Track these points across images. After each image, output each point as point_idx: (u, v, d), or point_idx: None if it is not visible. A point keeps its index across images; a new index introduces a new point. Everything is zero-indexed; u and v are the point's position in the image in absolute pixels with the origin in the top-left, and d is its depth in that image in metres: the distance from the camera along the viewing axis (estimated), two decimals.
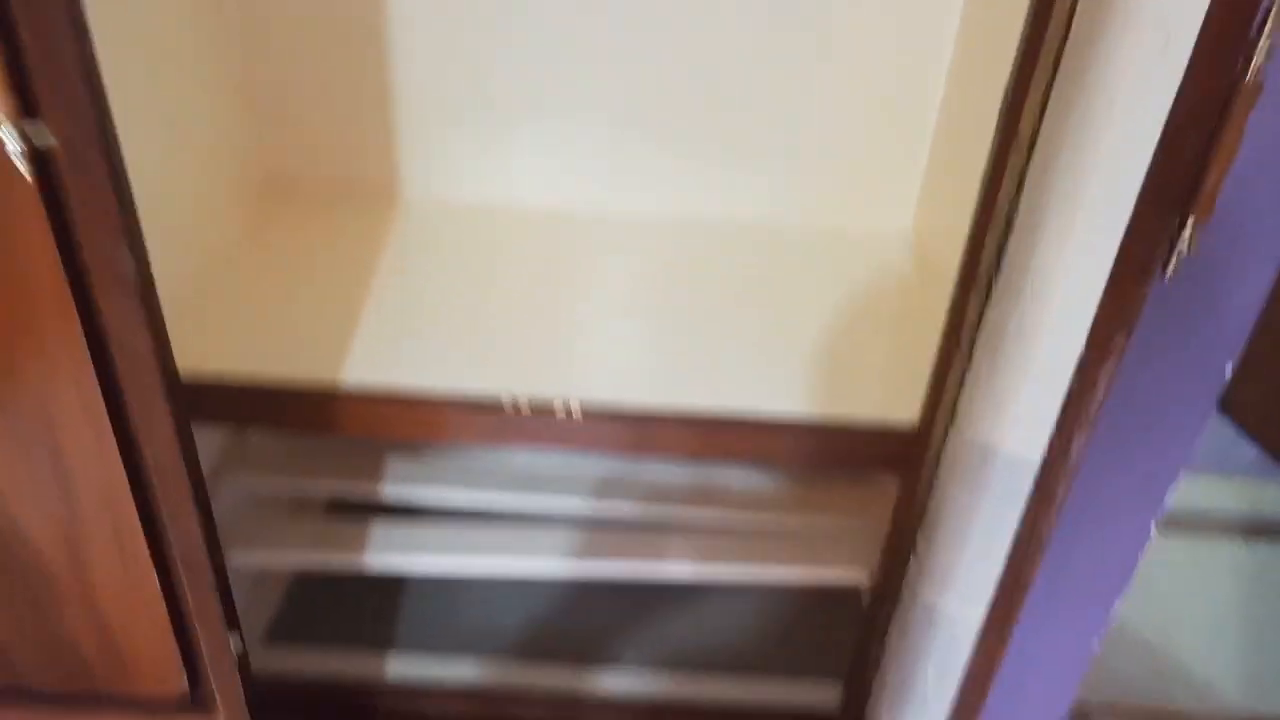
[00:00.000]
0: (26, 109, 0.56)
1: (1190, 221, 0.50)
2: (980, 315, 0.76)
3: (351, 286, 1.05)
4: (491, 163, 1.19)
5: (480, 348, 0.97)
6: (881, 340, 1.03)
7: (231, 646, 0.77)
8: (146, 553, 0.98)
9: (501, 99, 1.14)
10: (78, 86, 0.54)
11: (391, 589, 1.29)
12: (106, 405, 0.87)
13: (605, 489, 1.14)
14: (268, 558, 1.12)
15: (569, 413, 0.90)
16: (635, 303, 1.06)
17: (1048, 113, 0.64)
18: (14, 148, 0.57)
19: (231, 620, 1.02)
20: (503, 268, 1.10)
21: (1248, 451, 1.64)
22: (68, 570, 1.01)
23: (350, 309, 1.02)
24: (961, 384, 0.81)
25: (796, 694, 1.17)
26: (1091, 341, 0.54)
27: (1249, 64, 0.49)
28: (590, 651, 1.22)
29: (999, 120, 0.68)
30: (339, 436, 0.94)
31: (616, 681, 1.19)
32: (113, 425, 0.89)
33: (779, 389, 0.94)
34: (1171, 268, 0.51)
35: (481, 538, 1.13)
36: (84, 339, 0.82)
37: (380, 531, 1.13)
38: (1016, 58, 0.65)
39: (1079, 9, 0.58)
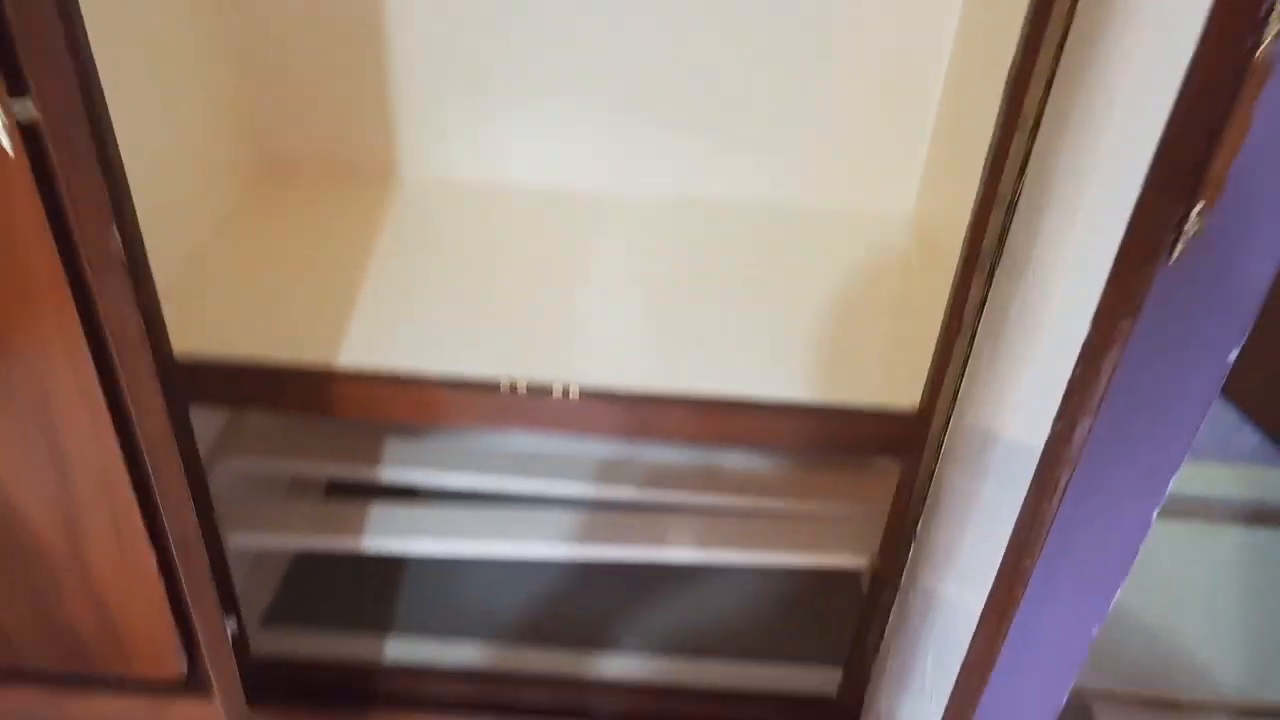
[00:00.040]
0: (11, 83, 0.55)
1: (1198, 204, 0.49)
2: (982, 299, 0.75)
3: (348, 267, 1.05)
4: (490, 143, 1.18)
5: (478, 329, 0.96)
6: (882, 324, 1.02)
7: (227, 629, 0.77)
8: (144, 535, 0.98)
9: (501, 78, 1.13)
10: (62, 61, 0.53)
11: (391, 571, 1.29)
12: (102, 387, 0.87)
13: (605, 472, 1.14)
14: (266, 540, 1.12)
15: (567, 395, 0.89)
16: (635, 284, 1.05)
17: (1053, 92, 0.63)
18: None
19: (228, 602, 1.02)
20: (501, 248, 1.10)
21: (1250, 438, 1.64)
22: (65, 552, 1.01)
23: (347, 289, 1.01)
24: (963, 368, 0.80)
25: (795, 678, 1.17)
26: (1096, 327, 0.53)
27: (1259, 43, 0.47)
28: (590, 634, 1.22)
29: (1003, 100, 0.67)
30: (336, 418, 0.94)
31: (616, 664, 1.19)
32: (109, 407, 0.88)
33: (779, 372, 0.93)
34: (1178, 251, 0.50)
35: (481, 520, 1.13)
36: (79, 320, 0.82)
37: (379, 514, 1.12)
38: (1021, 36, 0.64)
39: None
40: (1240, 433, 1.64)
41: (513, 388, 0.89)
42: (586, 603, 1.27)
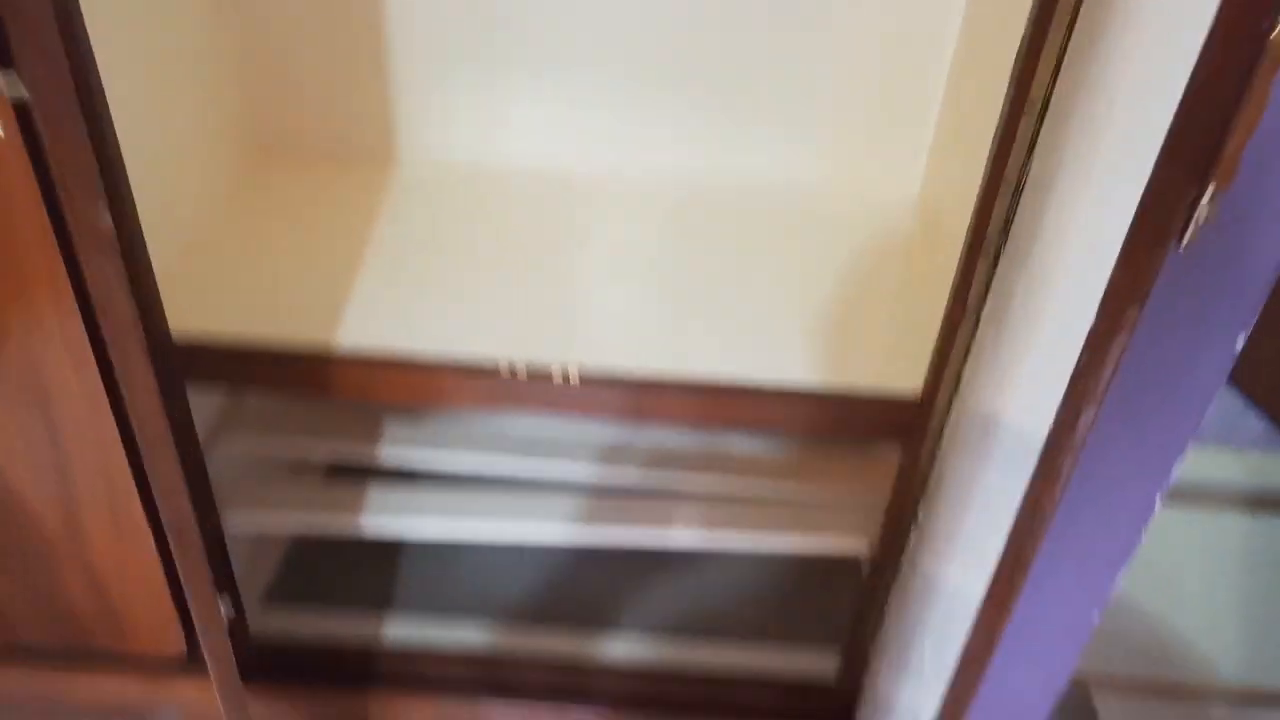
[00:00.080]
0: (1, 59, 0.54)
1: (1210, 188, 0.48)
2: (987, 284, 0.74)
3: (348, 248, 1.04)
4: (490, 122, 1.16)
5: (478, 311, 0.96)
6: (886, 308, 1.01)
7: (221, 610, 0.77)
8: (142, 515, 0.98)
9: (501, 57, 1.11)
10: (51, 37, 0.52)
11: (391, 552, 1.29)
12: (99, 367, 0.86)
13: (606, 455, 1.13)
14: (265, 521, 1.12)
15: (567, 378, 0.88)
16: (636, 266, 1.04)
17: (1061, 73, 0.62)
18: None
19: (223, 583, 1.02)
20: (501, 230, 1.09)
21: (1255, 424, 1.63)
22: (63, 532, 1.01)
23: (346, 271, 1.00)
24: (966, 354, 0.79)
25: (794, 662, 1.17)
26: (1103, 313, 0.52)
27: (1274, 24, 0.46)
28: (589, 617, 1.22)
29: (1010, 82, 0.66)
30: (333, 399, 0.93)
31: (615, 647, 1.19)
32: (106, 388, 0.88)
33: (781, 356, 0.92)
34: (1188, 236, 0.49)
35: (481, 503, 1.13)
36: (75, 301, 0.82)
37: (379, 495, 1.12)
38: (1030, 17, 0.62)
39: None
40: (1245, 418, 1.63)
41: (512, 370, 0.88)
42: (586, 585, 1.27)
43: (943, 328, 0.80)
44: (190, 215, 1.06)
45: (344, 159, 1.19)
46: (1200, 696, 1.25)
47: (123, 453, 0.92)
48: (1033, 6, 0.62)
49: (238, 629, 1.09)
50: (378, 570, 1.27)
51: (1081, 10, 0.59)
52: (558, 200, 1.14)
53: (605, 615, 1.23)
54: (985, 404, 0.77)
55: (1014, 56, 0.66)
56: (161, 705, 1.16)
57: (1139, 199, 0.51)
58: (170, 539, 0.71)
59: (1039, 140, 0.66)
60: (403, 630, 1.19)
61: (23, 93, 0.56)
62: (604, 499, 1.12)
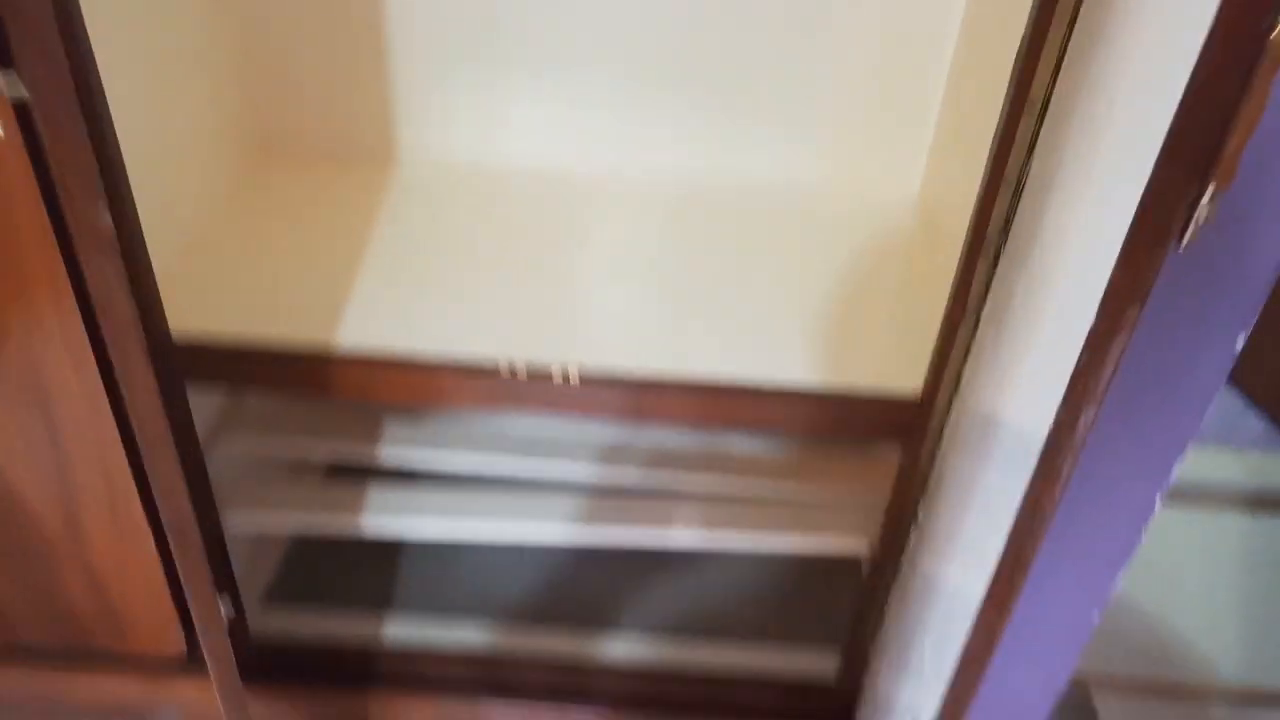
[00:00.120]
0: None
1: (1210, 188, 0.48)
2: (987, 284, 0.74)
3: (348, 248, 1.04)
4: (491, 122, 1.16)
5: (478, 311, 0.96)
6: (886, 308, 1.01)
7: (221, 610, 0.77)
8: (142, 515, 0.98)
9: (501, 57, 1.11)
10: (51, 37, 0.52)
11: (392, 552, 1.29)
12: (99, 367, 0.86)
13: (605, 455, 1.13)
14: (265, 520, 1.12)
15: (566, 378, 0.88)
16: (636, 266, 1.04)
17: (1062, 73, 0.62)
18: None
19: (223, 583, 1.02)
20: (502, 229, 1.08)
21: (1255, 424, 1.63)
22: (64, 533, 1.01)
23: (346, 270, 1.00)
24: (966, 353, 0.79)
25: (794, 662, 1.17)
26: (1103, 314, 0.52)
27: (1274, 24, 0.46)
28: (589, 617, 1.22)
29: (1010, 82, 0.66)
30: (332, 399, 0.93)
31: (615, 647, 1.19)
32: (106, 388, 0.88)
33: (781, 356, 0.92)
34: (1188, 236, 0.49)
35: (481, 503, 1.13)
36: (75, 300, 0.82)
37: (380, 496, 1.12)
38: (1030, 16, 0.62)
39: None
40: (1245, 418, 1.63)
41: (512, 370, 0.88)
42: (586, 585, 1.27)
43: (942, 328, 0.80)
44: (190, 215, 1.06)
45: (344, 159, 1.19)
46: (1200, 696, 1.25)
47: (123, 452, 0.92)
48: (1033, 6, 0.62)
49: (238, 629, 1.09)
50: (378, 570, 1.27)
51: (1081, 10, 0.59)
52: (558, 200, 1.14)
53: (605, 615, 1.23)
54: (985, 404, 0.77)
55: (1014, 56, 0.65)
56: (161, 705, 1.16)
57: (1139, 199, 0.51)
58: (170, 539, 0.71)
59: (1039, 140, 0.66)
60: (403, 630, 1.19)
61: (23, 93, 0.56)
62: (604, 499, 1.12)
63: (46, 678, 1.14)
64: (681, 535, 1.10)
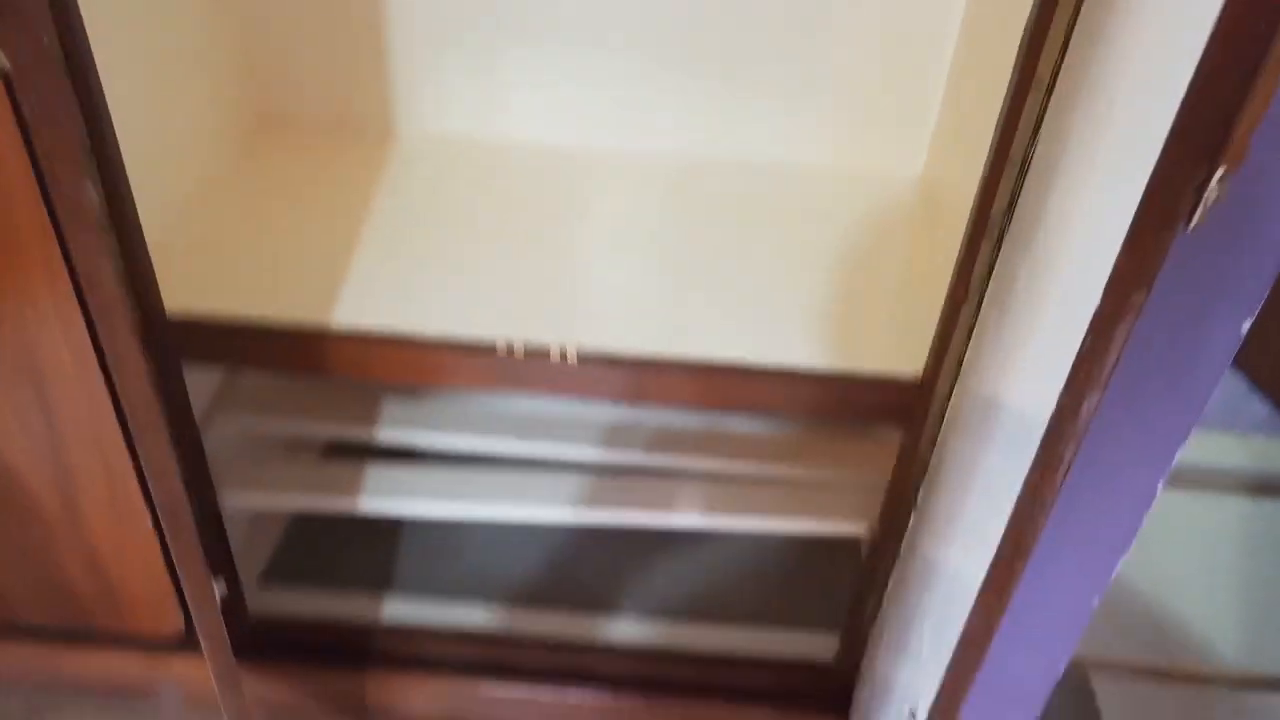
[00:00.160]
0: None
1: (1220, 169, 0.47)
2: (990, 266, 0.73)
3: (345, 224, 1.03)
4: (490, 97, 1.15)
5: (477, 289, 0.95)
6: (888, 288, 1.00)
7: (215, 590, 0.76)
8: (139, 494, 0.97)
9: (501, 31, 1.10)
10: (33, 4, 0.50)
11: (391, 531, 1.29)
12: (95, 347, 0.86)
13: (605, 435, 1.13)
14: (262, 500, 1.12)
15: (565, 357, 0.88)
16: (637, 244, 1.03)
17: (1070, 50, 0.60)
18: None
19: (218, 563, 1.02)
20: (501, 207, 1.07)
21: (1259, 408, 1.62)
22: (59, 511, 1.01)
23: (344, 247, 0.99)
24: (969, 336, 0.79)
25: (793, 643, 1.17)
26: (1107, 298, 0.51)
27: None
28: (588, 598, 1.22)
29: (1017, 58, 0.65)
30: (327, 377, 0.92)
31: (614, 628, 1.19)
32: (101, 367, 0.87)
33: (781, 336, 0.91)
34: (1197, 218, 0.48)
35: (480, 483, 1.12)
36: (70, 278, 0.81)
37: (378, 475, 1.12)
38: None
39: None
40: (1248, 403, 1.62)
41: (510, 350, 0.88)
42: (585, 566, 1.27)
43: (945, 309, 0.79)
44: (186, 191, 1.05)
45: (343, 134, 1.17)
46: (1199, 680, 1.25)
47: (119, 432, 0.91)
48: None
49: (235, 608, 1.09)
50: (377, 549, 1.27)
51: None
52: (557, 177, 1.12)
53: (605, 596, 1.23)
54: (987, 386, 0.76)
55: (1021, 32, 0.64)
56: (160, 683, 1.16)
57: (1147, 180, 0.50)
58: (162, 520, 0.71)
59: (1045, 119, 0.65)
60: (401, 609, 1.19)
61: (4, 63, 0.54)
62: (603, 479, 1.12)
63: (45, 656, 1.14)
64: (681, 516, 1.09)
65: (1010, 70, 0.66)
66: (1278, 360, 1.62)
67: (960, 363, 0.81)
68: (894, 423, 0.91)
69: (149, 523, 0.99)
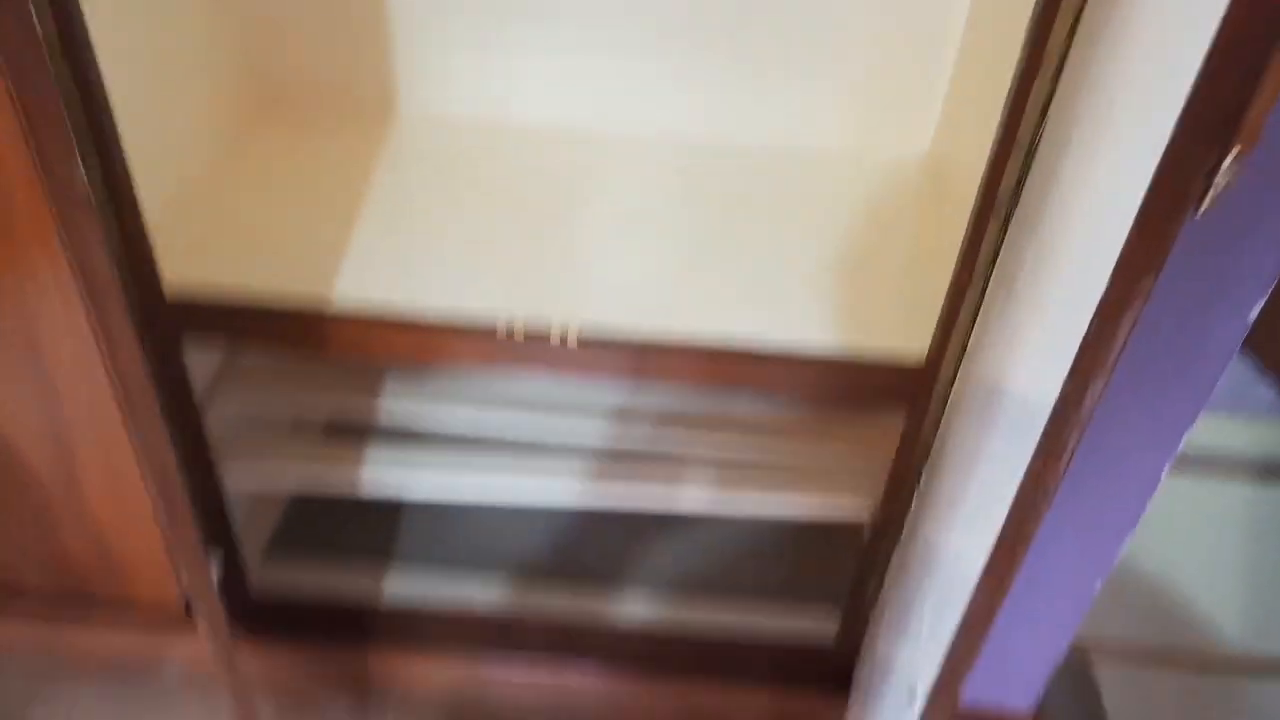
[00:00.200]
0: None
1: (1232, 152, 0.46)
2: (996, 248, 0.72)
3: (346, 204, 1.02)
4: (493, 75, 1.14)
5: (478, 269, 0.94)
6: (893, 270, 0.99)
7: (211, 568, 0.76)
8: (138, 469, 0.97)
9: (505, 7, 1.09)
10: None
11: (394, 509, 1.29)
12: (92, 323, 0.85)
13: (608, 416, 1.12)
14: (263, 476, 1.12)
15: (565, 339, 0.87)
16: (640, 225, 1.02)
17: (1079, 30, 0.59)
18: None
19: (217, 540, 1.02)
20: (503, 186, 1.06)
21: (1266, 393, 1.61)
22: (61, 485, 1.01)
23: (344, 227, 0.98)
24: (974, 319, 0.78)
25: (794, 623, 1.17)
26: (1115, 283, 0.50)
27: None
28: (590, 577, 1.22)
29: (1026, 38, 0.64)
30: (326, 356, 0.92)
31: (616, 606, 1.19)
32: (99, 343, 0.87)
33: (785, 317, 0.91)
34: (1207, 202, 0.47)
35: (482, 463, 1.12)
36: (66, 256, 0.80)
37: (380, 454, 1.11)
38: None
39: None
40: (1255, 387, 1.61)
41: (510, 331, 0.87)
42: (587, 545, 1.27)
43: (950, 292, 0.78)
44: (187, 169, 1.04)
45: (344, 112, 1.16)
46: (1201, 664, 1.25)
47: (117, 407, 0.91)
48: None
49: (235, 584, 1.10)
50: (380, 526, 1.27)
51: None
52: (561, 156, 1.11)
53: (606, 574, 1.23)
54: (991, 370, 0.75)
55: (1031, 9, 0.63)
56: (162, 656, 1.17)
57: (1157, 162, 0.49)
58: (157, 499, 0.71)
59: (1054, 98, 0.64)
60: (403, 586, 1.19)
61: None
62: (605, 460, 1.12)
63: (48, 629, 1.15)
64: (682, 497, 1.09)
65: (1019, 48, 0.65)
66: None
67: (965, 346, 0.80)
68: (897, 405, 0.91)
69: (149, 499, 0.99)
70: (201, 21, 1.04)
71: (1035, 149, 0.66)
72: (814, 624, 1.17)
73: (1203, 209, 0.47)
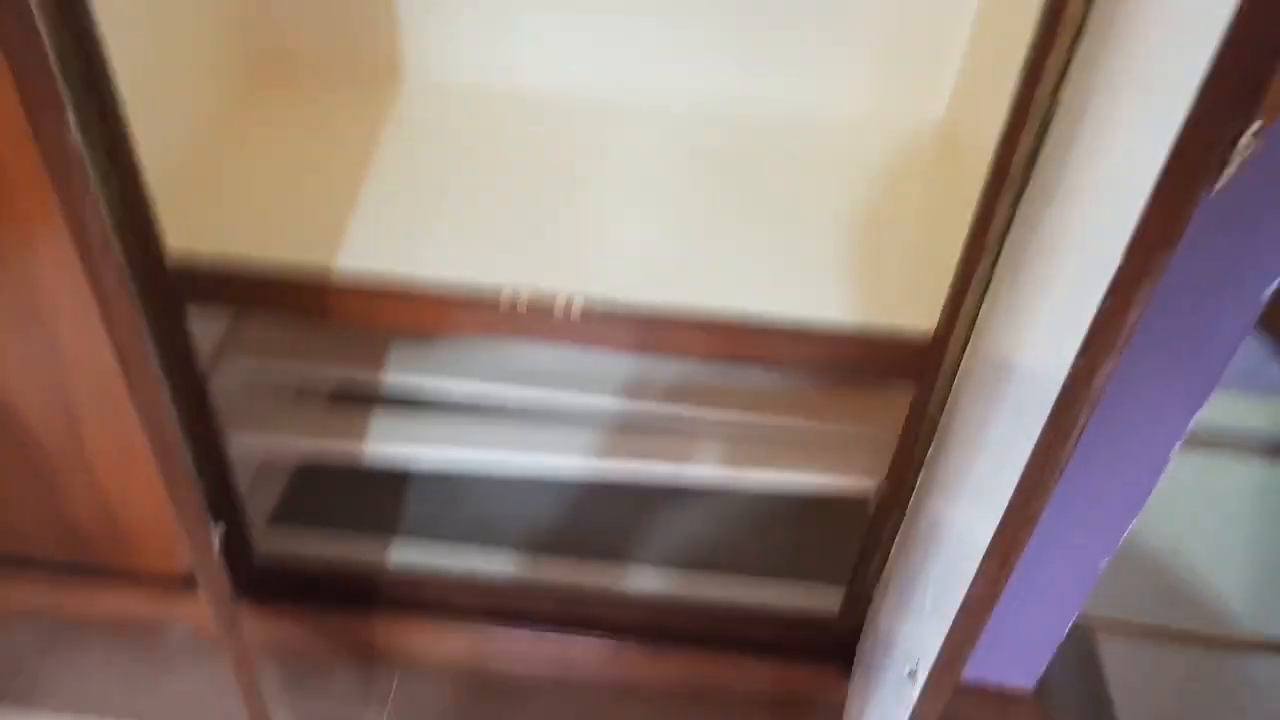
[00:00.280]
0: None
1: (1255, 124, 0.44)
2: (1008, 221, 0.71)
3: (349, 170, 1.01)
4: (500, 40, 1.12)
5: (483, 237, 0.93)
6: (902, 241, 0.98)
7: (212, 534, 0.76)
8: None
9: None
10: None
11: (400, 477, 1.29)
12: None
13: (614, 388, 1.12)
14: (270, 444, 1.12)
15: (569, 309, 0.86)
16: (648, 194, 1.01)
17: None
18: None
19: (220, 506, 1.02)
20: (510, 153, 1.05)
21: (1278, 371, 1.59)
22: (68, 451, 1.01)
23: (348, 193, 0.97)
24: (984, 293, 0.77)
25: (798, 596, 1.17)
26: (1130, 258, 0.49)
27: None
28: (595, 547, 1.22)
29: (1043, 4, 0.62)
30: (331, 325, 0.91)
31: (620, 577, 1.19)
32: None
33: (792, 290, 0.89)
34: (1226, 176, 0.46)
35: (488, 433, 1.12)
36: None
37: (385, 422, 1.11)
38: None
39: None
40: (1268, 365, 1.59)
41: (514, 301, 0.86)
42: (592, 515, 1.27)
43: (960, 265, 0.77)
44: (191, 134, 1.03)
45: (348, 77, 1.15)
46: (1207, 643, 1.25)
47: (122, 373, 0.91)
48: None
49: (240, 551, 1.10)
50: (385, 495, 1.27)
51: None
52: (570, 124, 1.10)
53: (611, 546, 1.23)
54: (1000, 346, 0.74)
55: None
56: (170, 620, 1.18)
57: (1177, 134, 0.48)
58: (157, 464, 0.71)
59: (1071, 67, 0.62)
60: (408, 555, 1.20)
61: None
62: (612, 432, 1.11)
63: (57, 591, 1.16)
64: (689, 469, 1.09)
65: (1037, 14, 0.63)
66: None
67: (974, 320, 0.79)
68: (905, 379, 0.90)
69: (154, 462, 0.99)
70: None
71: (1050, 119, 0.64)
72: (818, 597, 1.16)
73: (1222, 182, 0.46)
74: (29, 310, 0.89)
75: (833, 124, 1.13)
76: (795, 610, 1.16)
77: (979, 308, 0.77)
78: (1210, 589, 1.29)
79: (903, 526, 0.96)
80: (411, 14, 1.10)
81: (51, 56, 0.50)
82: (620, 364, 1.14)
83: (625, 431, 1.11)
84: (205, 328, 1.01)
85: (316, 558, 1.17)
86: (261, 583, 1.14)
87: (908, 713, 0.81)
